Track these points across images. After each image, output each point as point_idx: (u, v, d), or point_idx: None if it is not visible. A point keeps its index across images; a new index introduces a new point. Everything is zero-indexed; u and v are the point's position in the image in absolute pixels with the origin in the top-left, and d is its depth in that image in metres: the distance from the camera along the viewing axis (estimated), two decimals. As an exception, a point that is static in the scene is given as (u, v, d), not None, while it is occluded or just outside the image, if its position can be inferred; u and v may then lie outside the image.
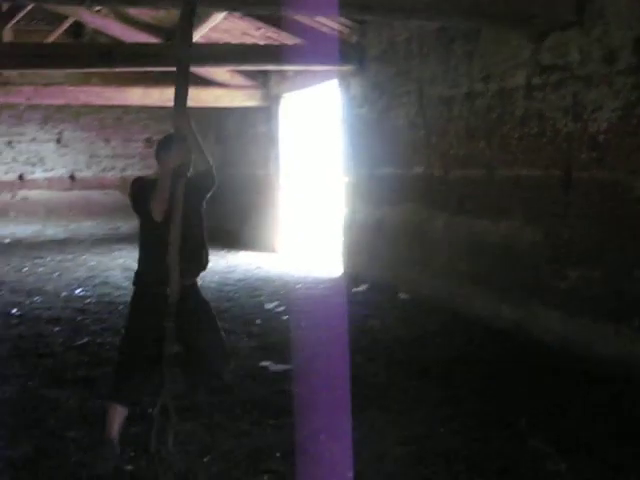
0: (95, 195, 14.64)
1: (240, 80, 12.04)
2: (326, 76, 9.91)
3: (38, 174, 14.26)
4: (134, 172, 14.76)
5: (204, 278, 9.16)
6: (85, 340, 6.35)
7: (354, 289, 8.59)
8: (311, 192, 11.61)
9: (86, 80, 12.13)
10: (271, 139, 12.09)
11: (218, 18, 9.98)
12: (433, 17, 5.89)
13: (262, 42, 10.17)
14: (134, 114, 14.45)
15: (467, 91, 6.85)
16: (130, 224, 14.85)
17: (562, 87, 5.62)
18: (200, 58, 9.29)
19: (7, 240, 13.84)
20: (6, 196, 14.06)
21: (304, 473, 3.54)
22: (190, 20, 3.69)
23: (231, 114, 13.95)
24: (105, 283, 9.30)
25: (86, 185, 14.59)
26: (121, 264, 10.90)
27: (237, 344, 6.07)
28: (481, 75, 6.63)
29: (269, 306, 7.67)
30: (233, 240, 12.64)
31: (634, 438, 3.99)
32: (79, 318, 7.26)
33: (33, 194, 14.25)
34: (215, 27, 10.71)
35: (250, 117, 13.04)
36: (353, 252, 9.37)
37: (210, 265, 4.02)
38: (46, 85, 10.99)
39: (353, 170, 9.23)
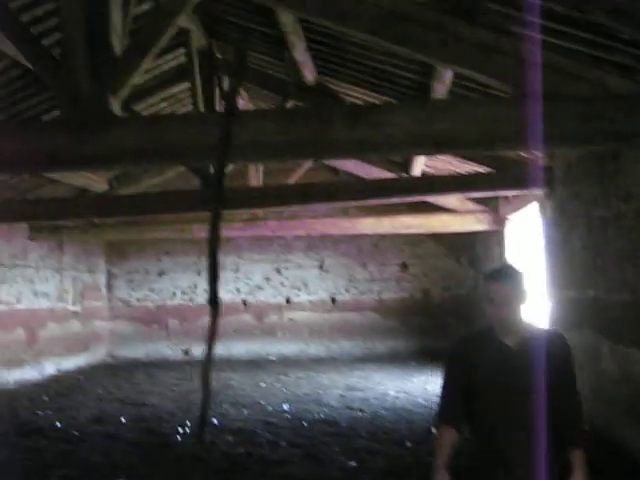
0: (353, 317, 15.62)
1: (469, 205, 12.33)
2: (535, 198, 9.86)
3: (302, 297, 15.69)
4: (390, 295, 15.58)
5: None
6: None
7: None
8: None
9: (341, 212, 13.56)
10: (501, 261, 12.07)
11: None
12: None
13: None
14: (389, 240, 15.34)
15: (615, 212, 6.50)
16: (386, 345, 15.54)
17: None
18: (421, 188, 9.88)
19: (272, 357, 15.33)
20: (274, 317, 15.64)
21: None
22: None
23: (478, 238, 14.19)
24: (316, 401, 9.87)
25: (345, 307, 15.64)
26: (350, 384, 11.31)
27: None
28: (623, 195, 6.28)
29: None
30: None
31: None
32: (260, 431, 7.97)
33: (298, 315, 15.66)
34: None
35: (489, 240, 13.19)
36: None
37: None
38: (289, 219, 12.41)
39: (551, 293, 8.94)
